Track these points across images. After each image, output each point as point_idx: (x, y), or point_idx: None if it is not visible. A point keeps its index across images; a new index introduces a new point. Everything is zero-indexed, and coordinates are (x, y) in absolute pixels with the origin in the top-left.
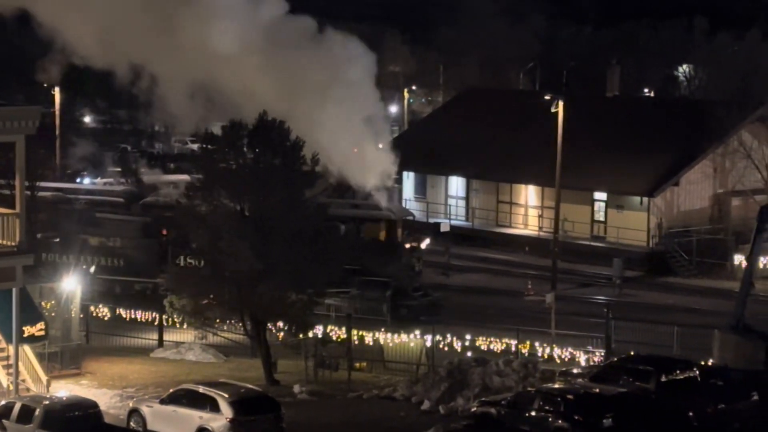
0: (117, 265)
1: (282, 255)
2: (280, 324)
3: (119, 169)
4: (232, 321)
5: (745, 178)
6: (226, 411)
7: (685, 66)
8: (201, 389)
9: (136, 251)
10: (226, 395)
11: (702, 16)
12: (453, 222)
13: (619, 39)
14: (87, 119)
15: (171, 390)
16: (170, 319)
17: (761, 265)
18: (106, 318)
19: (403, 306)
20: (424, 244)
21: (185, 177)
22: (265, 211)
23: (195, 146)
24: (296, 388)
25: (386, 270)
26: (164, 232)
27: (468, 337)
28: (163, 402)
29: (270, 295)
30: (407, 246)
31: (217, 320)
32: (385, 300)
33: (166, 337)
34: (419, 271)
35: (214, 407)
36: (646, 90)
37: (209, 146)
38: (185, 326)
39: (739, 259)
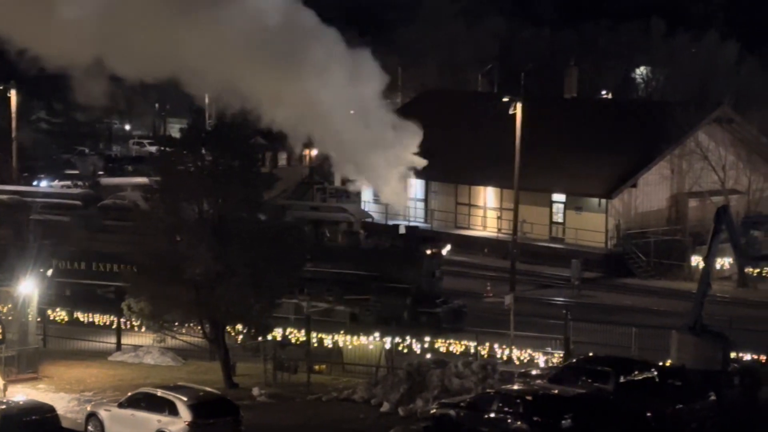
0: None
1: (241, 257)
2: (239, 327)
3: (77, 172)
4: (191, 324)
5: (702, 179)
6: (185, 414)
7: (642, 68)
8: (159, 393)
9: None
10: (185, 398)
11: (659, 18)
12: (412, 224)
13: (577, 40)
14: (43, 124)
15: (129, 394)
16: (128, 322)
17: (718, 266)
18: (63, 322)
19: (424, 313)
20: (445, 250)
21: (143, 179)
22: (223, 213)
23: (153, 148)
24: (255, 391)
25: (406, 276)
26: None
27: (427, 339)
28: (121, 406)
29: (229, 298)
30: (428, 252)
31: (176, 323)
32: (406, 307)
33: (125, 340)
34: (440, 278)
35: (173, 411)
36: (603, 92)
37: (167, 148)
38: (143, 329)
39: (696, 260)
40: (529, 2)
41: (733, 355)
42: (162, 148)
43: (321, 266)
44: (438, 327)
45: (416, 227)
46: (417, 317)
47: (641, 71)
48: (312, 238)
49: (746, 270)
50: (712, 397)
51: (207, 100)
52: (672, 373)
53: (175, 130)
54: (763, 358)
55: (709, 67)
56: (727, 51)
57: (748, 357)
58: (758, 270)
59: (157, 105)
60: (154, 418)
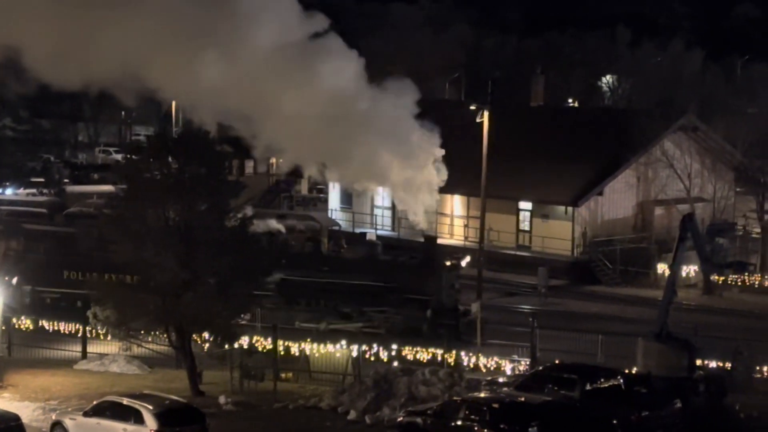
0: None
1: (207, 265)
2: (206, 335)
3: (42, 180)
4: (157, 332)
5: (668, 187)
6: (151, 423)
7: (608, 76)
8: (125, 401)
9: None
10: (151, 407)
11: (625, 27)
12: (379, 232)
13: (544, 49)
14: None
15: (95, 402)
16: (94, 330)
17: (684, 274)
18: (28, 330)
19: (443, 325)
20: (464, 262)
21: (109, 187)
22: (190, 220)
23: (119, 156)
24: (221, 399)
25: (425, 288)
26: None
27: (394, 346)
28: (86, 414)
29: (195, 306)
30: (447, 264)
31: (142, 331)
32: (425, 319)
33: (90, 348)
34: (458, 290)
35: (139, 419)
36: (570, 100)
37: (133, 156)
38: (109, 337)
39: (662, 268)
40: (496, 11)
41: (698, 362)
42: (128, 155)
43: (337, 277)
44: (458, 339)
45: (434, 238)
46: (436, 329)
47: (607, 80)
48: (279, 246)
49: (711, 277)
50: (678, 404)
51: (174, 108)
52: (638, 380)
53: (141, 137)
54: (728, 365)
55: (674, 76)
56: (692, 60)
57: (713, 364)
58: (723, 277)
59: (123, 113)
60: (119, 427)
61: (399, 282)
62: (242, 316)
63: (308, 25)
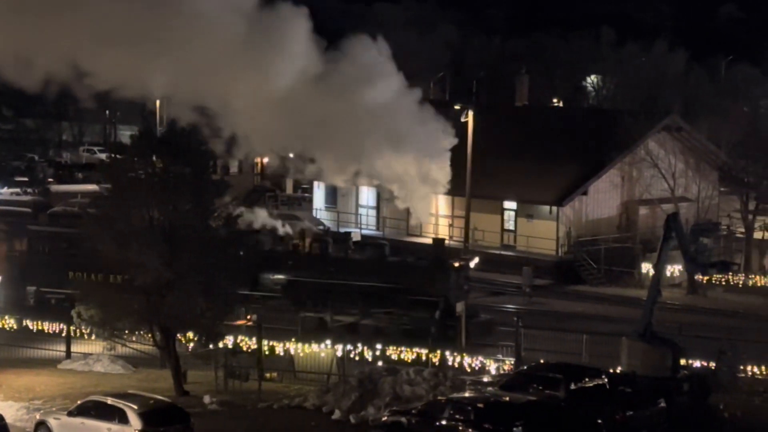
0: None
1: (191, 264)
2: (190, 334)
3: (26, 179)
4: (141, 331)
5: (652, 187)
6: (135, 422)
7: (593, 76)
8: (109, 401)
9: None
10: (135, 406)
11: (609, 27)
12: (364, 231)
13: (528, 49)
14: None
15: (79, 402)
16: (78, 330)
17: (668, 274)
18: (12, 329)
19: (452, 327)
20: (473, 263)
21: (94, 187)
22: (174, 220)
23: (103, 155)
24: (206, 399)
25: (434, 290)
26: None
27: (379, 346)
28: (70, 414)
29: (179, 305)
30: (456, 265)
31: (126, 331)
32: (434, 321)
33: (74, 348)
34: (467, 291)
35: (123, 419)
36: (554, 100)
37: (118, 155)
38: (93, 337)
39: (646, 268)
40: (481, 11)
41: (682, 361)
42: (112, 155)
43: (345, 279)
44: (467, 341)
45: (444, 240)
46: (445, 331)
47: (592, 80)
48: (263, 245)
49: (696, 277)
50: (662, 404)
51: (158, 107)
52: (622, 379)
53: (125, 136)
54: (712, 364)
55: (658, 76)
56: (676, 60)
57: (697, 364)
58: (707, 277)
59: (107, 112)
60: (104, 427)
61: (407, 283)
62: None
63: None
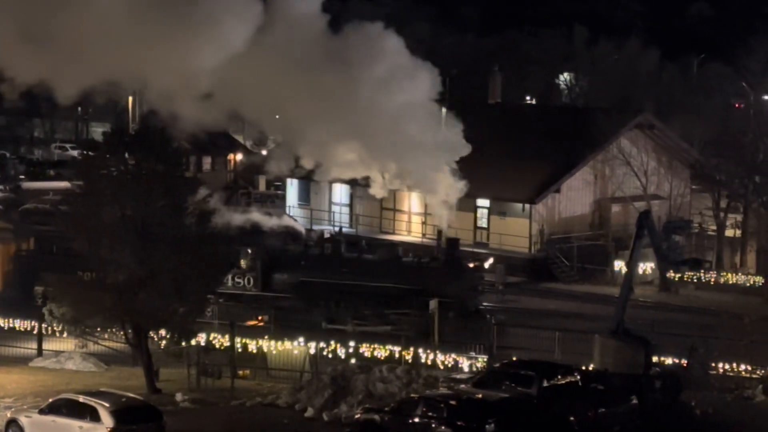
0: None
1: (164, 262)
2: (162, 332)
3: None
4: (113, 329)
5: (625, 184)
6: (107, 420)
7: (566, 74)
8: (81, 398)
9: None
10: (107, 404)
11: (582, 26)
12: (336, 229)
13: (502, 46)
14: None
15: (50, 400)
16: (50, 327)
17: (640, 271)
18: None
19: (467, 328)
20: (488, 263)
21: (65, 184)
22: (146, 217)
23: (75, 152)
24: (178, 397)
25: (448, 291)
26: None
27: (352, 344)
28: (42, 412)
29: (152, 303)
30: (470, 266)
31: (98, 328)
32: (448, 321)
33: (46, 346)
34: (481, 292)
35: (95, 417)
36: (527, 97)
37: (90, 152)
38: (65, 335)
39: (618, 265)
40: (454, 9)
41: (654, 358)
42: (84, 151)
43: (360, 280)
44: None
45: (458, 239)
46: (459, 332)
47: (565, 77)
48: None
49: (668, 274)
50: (634, 401)
51: (131, 104)
52: (595, 377)
53: (98, 134)
54: (684, 361)
55: (630, 75)
56: (648, 58)
57: (669, 361)
58: (679, 274)
59: (79, 108)
60: (75, 425)
61: (421, 284)
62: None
63: None
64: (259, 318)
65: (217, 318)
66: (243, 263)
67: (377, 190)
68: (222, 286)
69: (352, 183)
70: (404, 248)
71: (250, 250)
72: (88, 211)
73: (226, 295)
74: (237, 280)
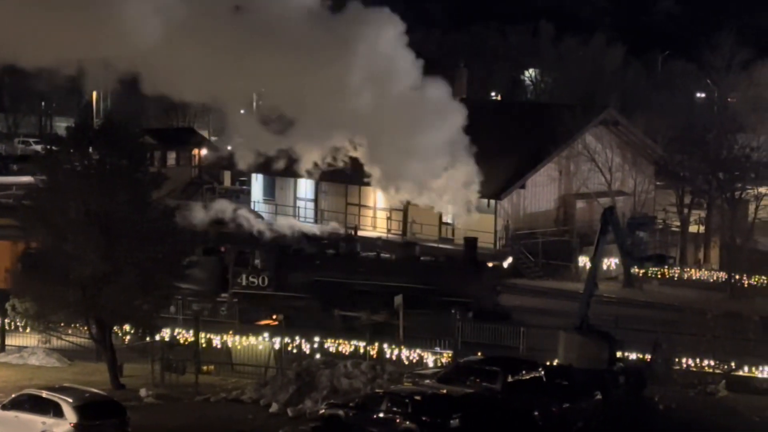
0: None
1: (128, 257)
2: (126, 327)
3: None
4: (77, 324)
5: (590, 180)
6: (70, 416)
7: (531, 70)
8: (44, 394)
9: None
10: (70, 400)
11: (548, 22)
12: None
13: (467, 42)
14: None
15: (13, 395)
16: (12, 323)
17: (605, 267)
18: None
19: (485, 329)
20: (506, 263)
21: (29, 179)
22: (111, 212)
23: (39, 147)
24: (142, 392)
25: (466, 290)
26: None
27: (317, 339)
28: (4, 408)
29: (116, 298)
30: (488, 265)
31: (62, 324)
32: (468, 322)
33: (9, 341)
34: (499, 292)
35: (58, 412)
36: (493, 93)
37: (54, 147)
38: (28, 330)
39: (583, 261)
40: (420, 4)
41: (618, 354)
42: (48, 146)
43: (376, 280)
44: (501, 344)
45: (475, 239)
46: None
47: (530, 74)
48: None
49: (632, 270)
50: (598, 396)
51: (94, 99)
52: (559, 372)
53: (61, 128)
54: (648, 357)
55: (595, 71)
56: (613, 55)
57: (633, 356)
58: (643, 270)
59: (43, 103)
60: (38, 420)
61: (439, 284)
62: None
63: None
64: (274, 317)
65: (237, 318)
66: (257, 262)
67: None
68: (236, 286)
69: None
70: (421, 248)
71: (263, 250)
72: (52, 206)
73: (241, 294)
74: (251, 279)
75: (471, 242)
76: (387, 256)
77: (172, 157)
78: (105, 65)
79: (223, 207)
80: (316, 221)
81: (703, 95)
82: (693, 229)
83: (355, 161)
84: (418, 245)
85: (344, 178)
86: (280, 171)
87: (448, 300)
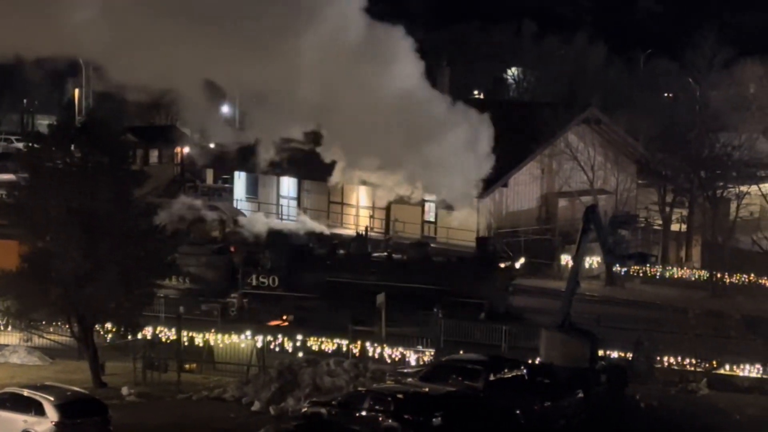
0: None
1: (110, 255)
2: (108, 325)
3: None
4: (59, 322)
5: (572, 179)
6: (52, 414)
7: (513, 69)
8: (26, 392)
9: None
10: (52, 398)
11: (530, 21)
12: (285, 222)
13: (450, 41)
14: None
15: None
16: None
17: (587, 265)
18: None
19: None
20: (519, 263)
21: (11, 176)
22: (93, 210)
23: (20, 145)
24: (124, 390)
25: (478, 291)
26: None
27: (299, 337)
28: None
29: (98, 296)
30: (501, 266)
31: (43, 322)
32: (481, 323)
33: None
34: (512, 293)
35: (40, 411)
36: (475, 92)
37: (35, 145)
38: (9, 328)
39: (565, 259)
40: (401, 2)
41: (600, 352)
42: (30, 144)
43: (388, 280)
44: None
45: (490, 238)
46: (491, 334)
47: (512, 72)
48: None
49: (614, 269)
50: (580, 394)
51: (77, 96)
52: (541, 370)
53: (43, 126)
54: (629, 355)
55: (578, 69)
56: (596, 54)
57: (615, 354)
58: (625, 269)
59: (24, 101)
60: (20, 419)
61: (452, 285)
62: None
63: None
64: (284, 317)
65: (248, 318)
66: (268, 262)
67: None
68: (247, 286)
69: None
70: (434, 248)
71: (274, 250)
72: (34, 204)
73: (251, 294)
74: (262, 279)
75: (484, 242)
76: (398, 256)
77: (154, 155)
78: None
79: (189, 204)
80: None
81: (683, 94)
82: (675, 227)
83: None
84: (430, 245)
85: (327, 177)
86: (262, 170)
87: (461, 301)
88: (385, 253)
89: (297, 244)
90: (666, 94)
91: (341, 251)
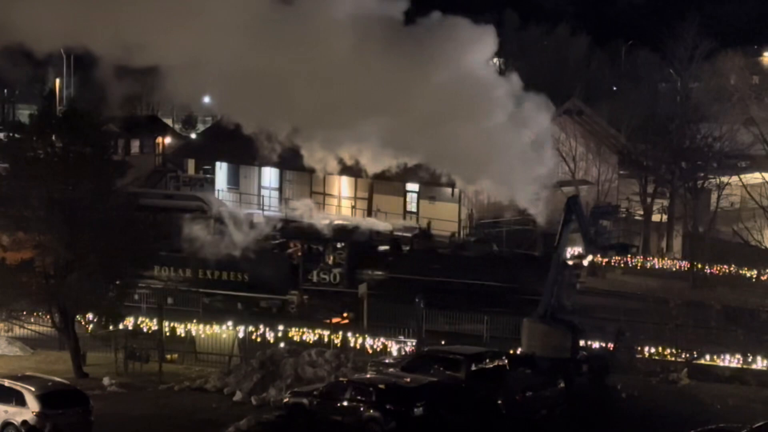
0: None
1: (92, 245)
2: (90, 315)
3: None
4: (40, 313)
5: (553, 169)
6: (33, 405)
7: (495, 59)
8: (6, 383)
9: None
10: (33, 388)
11: (512, 11)
12: (266, 213)
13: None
14: None
15: None
16: None
17: (568, 256)
18: None
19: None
20: (587, 261)
21: None
22: (74, 200)
23: (1, 135)
24: (106, 381)
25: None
26: None
27: (281, 327)
28: None
29: (79, 287)
30: (569, 262)
31: (24, 312)
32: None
33: None
34: (578, 290)
35: (20, 401)
36: None
37: (16, 135)
38: None
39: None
40: None
41: (581, 342)
42: (11, 134)
43: (452, 277)
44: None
45: (552, 236)
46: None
47: (494, 63)
48: (166, 226)
49: (595, 259)
50: (561, 384)
51: (58, 86)
52: (522, 361)
53: (24, 116)
54: (610, 345)
55: (559, 60)
56: (578, 45)
57: (596, 345)
58: (607, 259)
59: (5, 90)
60: (0, 409)
61: (518, 282)
62: None
63: None
64: (345, 315)
65: (308, 315)
66: (330, 259)
67: None
68: (307, 282)
69: (282, 167)
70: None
71: (339, 245)
72: (15, 194)
73: (311, 291)
74: (323, 275)
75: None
76: (465, 252)
77: (135, 145)
78: None
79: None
80: (279, 210)
81: (666, 84)
82: (656, 218)
83: None
84: (493, 241)
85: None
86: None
87: (527, 299)
88: (449, 249)
89: (360, 240)
90: (660, 84)
91: (405, 247)
